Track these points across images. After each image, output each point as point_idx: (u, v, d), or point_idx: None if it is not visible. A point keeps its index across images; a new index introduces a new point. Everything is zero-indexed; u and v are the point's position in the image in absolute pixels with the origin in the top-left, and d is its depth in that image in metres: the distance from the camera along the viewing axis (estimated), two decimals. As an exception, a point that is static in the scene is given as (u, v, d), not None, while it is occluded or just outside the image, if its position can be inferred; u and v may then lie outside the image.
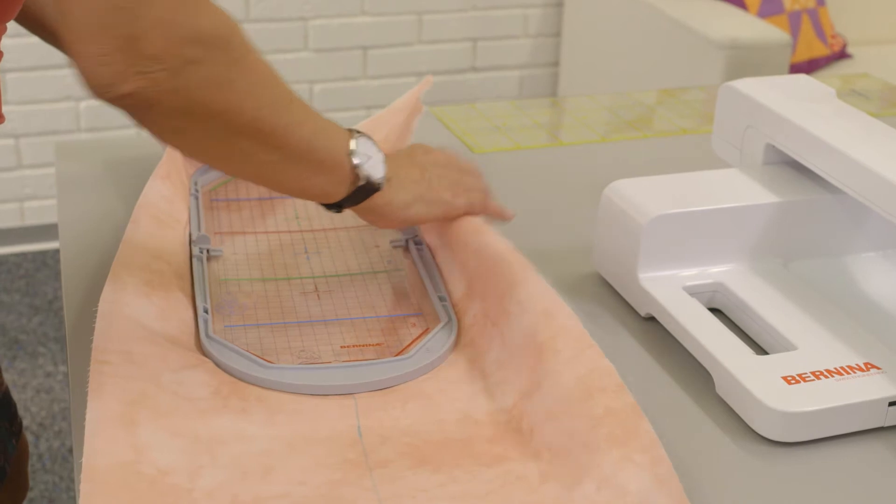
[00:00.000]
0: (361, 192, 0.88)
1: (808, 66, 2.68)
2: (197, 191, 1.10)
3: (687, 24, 2.49)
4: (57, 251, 2.77)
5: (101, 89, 0.69)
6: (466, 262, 0.94)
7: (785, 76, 1.06)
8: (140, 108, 0.71)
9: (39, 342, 2.50)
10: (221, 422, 0.78)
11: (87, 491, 0.70)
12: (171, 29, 0.70)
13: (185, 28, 0.71)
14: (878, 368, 0.83)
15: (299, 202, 1.11)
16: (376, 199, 0.89)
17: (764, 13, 2.62)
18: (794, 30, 2.66)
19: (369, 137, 0.88)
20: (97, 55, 0.68)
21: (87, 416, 0.76)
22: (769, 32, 2.43)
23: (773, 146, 0.99)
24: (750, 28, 2.44)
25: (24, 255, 2.82)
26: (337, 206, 0.89)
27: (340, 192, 0.87)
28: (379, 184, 0.88)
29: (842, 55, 2.79)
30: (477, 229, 0.95)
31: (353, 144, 0.86)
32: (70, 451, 2.16)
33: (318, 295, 0.96)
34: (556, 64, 3.12)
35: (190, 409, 0.78)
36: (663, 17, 2.57)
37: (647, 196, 0.94)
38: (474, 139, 1.32)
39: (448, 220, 0.96)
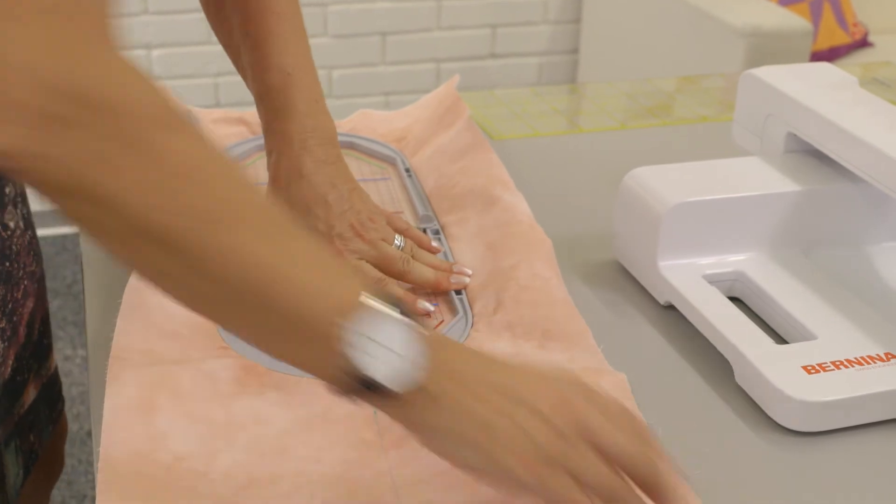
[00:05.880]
0: (356, 386, 0.60)
1: (829, 55, 2.67)
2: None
3: (708, 12, 2.47)
4: (76, 235, 2.78)
5: None
6: (500, 267, 0.95)
7: (807, 64, 1.06)
8: (11, 170, 0.56)
9: (58, 326, 2.51)
10: (240, 404, 0.78)
11: (103, 479, 0.70)
12: (38, 74, 0.54)
13: (56, 77, 0.54)
14: (899, 359, 0.83)
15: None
16: (390, 405, 0.61)
17: (785, 1, 2.61)
18: (816, 17, 2.65)
19: (399, 315, 0.59)
20: None
21: (106, 403, 0.76)
22: (790, 20, 2.42)
23: (795, 134, 0.99)
24: (771, 15, 2.43)
25: (43, 238, 2.83)
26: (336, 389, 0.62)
27: (326, 374, 0.61)
28: (385, 388, 0.59)
29: (863, 43, 2.78)
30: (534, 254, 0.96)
31: (355, 317, 0.58)
32: (88, 434, 2.17)
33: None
34: (575, 51, 3.11)
35: (209, 392, 0.79)
36: (684, 4, 2.55)
37: (667, 184, 0.94)
38: (493, 126, 1.32)
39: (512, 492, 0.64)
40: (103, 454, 0.72)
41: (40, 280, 0.97)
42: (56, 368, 1.03)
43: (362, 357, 0.58)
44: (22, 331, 0.92)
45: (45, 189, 0.57)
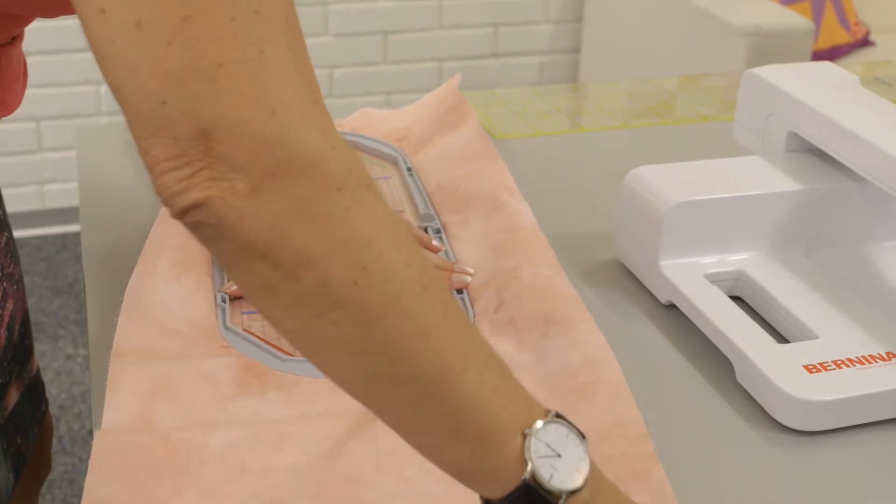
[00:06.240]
0: (525, 497, 0.58)
1: (831, 54, 2.66)
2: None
3: (709, 11, 2.47)
4: (77, 234, 2.78)
5: (166, 198, 0.54)
6: (503, 261, 0.95)
7: (808, 63, 1.05)
8: (210, 230, 0.54)
9: (60, 325, 2.51)
10: (240, 403, 0.79)
11: (98, 447, 0.70)
12: (242, 129, 0.53)
13: (259, 130, 0.53)
14: (900, 358, 0.83)
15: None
16: None
17: None
18: (817, 16, 2.65)
19: (571, 428, 0.59)
20: (163, 158, 0.53)
21: (107, 402, 0.76)
22: (791, 19, 2.42)
23: (796, 134, 0.99)
24: (772, 15, 2.43)
25: (44, 237, 2.83)
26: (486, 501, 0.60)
27: (493, 486, 0.58)
28: (557, 494, 0.57)
29: (865, 42, 2.78)
30: (535, 249, 0.96)
31: (538, 424, 0.58)
32: (90, 432, 2.17)
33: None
34: (577, 50, 3.11)
35: (210, 391, 0.79)
36: (685, 4, 2.55)
37: (668, 183, 0.94)
38: (495, 125, 1.32)
39: None
40: (100, 431, 0.73)
41: (19, 282, 0.96)
42: (38, 370, 1.02)
43: (539, 460, 0.57)
44: (2, 333, 0.92)
45: (231, 248, 0.54)
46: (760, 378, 0.81)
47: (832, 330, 0.86)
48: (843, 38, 2.70)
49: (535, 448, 0.57)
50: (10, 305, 0.93)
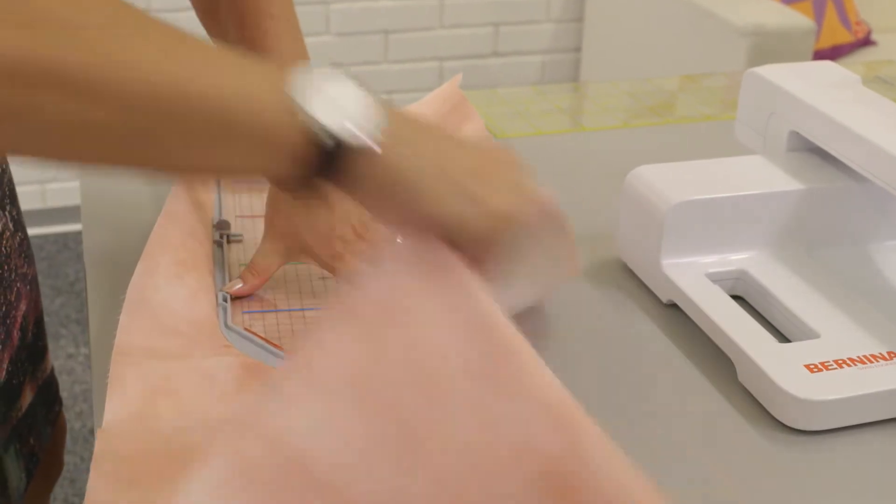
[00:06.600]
0: (315, 160, 0.53)
1: (832, 53, 2.66)
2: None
3: (710, 10, 2.47)
4: (78, 233, 2.78)
5: None
6: None
7: (810, 62, 1.05)
8: None
9: (61, 324, 2.51)
10: (241, 402, 0.78)
11: (99, 453, 0.70)
12: None
13: None
14: (902, 357, 0.83)
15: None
16: (352, 169, 0.53)
17: (788, -1, 2.61)
18: (819, 16, 2.65)
19: (330, 68, 0.55)
20: None
21: (107, 401, 0.76)
22: (793, 18, 2.42)
23: (797, 133, 0.99)
24: (774, 14, 2.43)
25: (45, 236, 2.83)
26: (296, 183, 0.54)
27: (277, 159, 0.53)
28: (350, 141, 0.53)
29: (866, 42, 2.78)
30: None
31: (300, 78, 0.52)
32: (91, 431, 2.17)
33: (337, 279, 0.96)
34: (578, 49, 3.11)
35: (210, 391, 0.79)
36: (686, 3, 2.55)
37: (669, 182, 0.94)
38: (496, 124, 1.32)
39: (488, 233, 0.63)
40: (101, 434, 0.73)
41: (33, 282, 0.96)
42: (52, 370, 1.02)
43: (321, 109, 0.52)
44: (16, 334, 0.91)
45: None
46: (762, 377, 0.81)
47: (834, 329, 0.86)
48: (844, 37, 2.70)
49: (311, 98, 0.52)
50: (23, 306, 0.93)
